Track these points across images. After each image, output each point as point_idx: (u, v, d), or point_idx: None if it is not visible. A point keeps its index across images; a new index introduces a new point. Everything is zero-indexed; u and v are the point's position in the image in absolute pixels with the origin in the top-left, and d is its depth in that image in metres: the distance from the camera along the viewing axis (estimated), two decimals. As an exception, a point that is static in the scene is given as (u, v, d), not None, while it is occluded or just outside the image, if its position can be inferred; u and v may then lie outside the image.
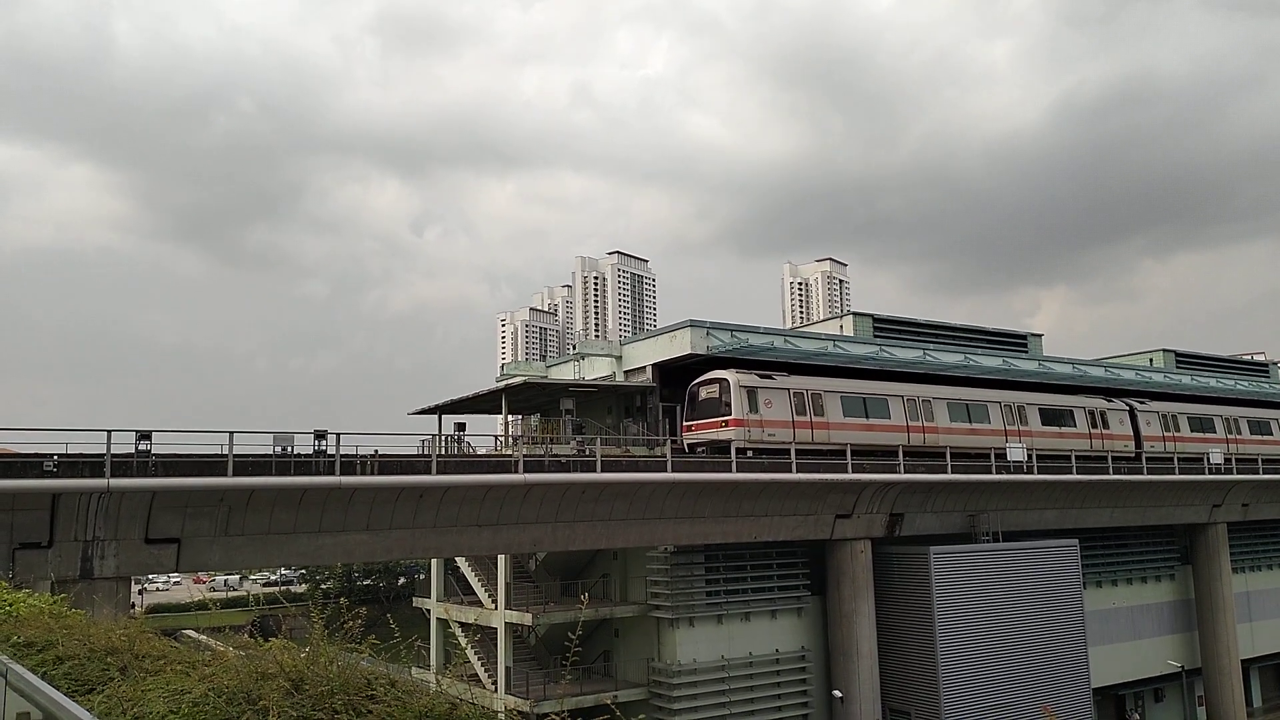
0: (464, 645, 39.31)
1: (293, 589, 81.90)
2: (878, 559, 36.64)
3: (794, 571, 36.73)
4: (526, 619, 34.75)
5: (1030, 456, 38.85)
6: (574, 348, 66.45)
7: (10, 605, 9.67)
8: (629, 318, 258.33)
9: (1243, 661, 48.52)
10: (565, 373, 43.05)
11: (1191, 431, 47.86)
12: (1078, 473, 40.03)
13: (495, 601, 37.37)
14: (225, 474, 23.65)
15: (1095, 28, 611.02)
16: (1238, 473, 46.89)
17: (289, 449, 25.12)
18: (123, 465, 22.68)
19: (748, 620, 35.38)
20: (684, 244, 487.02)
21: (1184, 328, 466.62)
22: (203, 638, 38.75)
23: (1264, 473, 47.84)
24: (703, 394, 34.32)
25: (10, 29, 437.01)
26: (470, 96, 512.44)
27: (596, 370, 40.69)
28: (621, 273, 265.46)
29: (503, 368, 57.76)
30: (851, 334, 43.54)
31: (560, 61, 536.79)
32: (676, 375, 36.96)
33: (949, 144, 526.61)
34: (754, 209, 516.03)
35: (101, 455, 22.38)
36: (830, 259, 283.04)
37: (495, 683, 36.61)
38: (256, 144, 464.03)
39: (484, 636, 38.68)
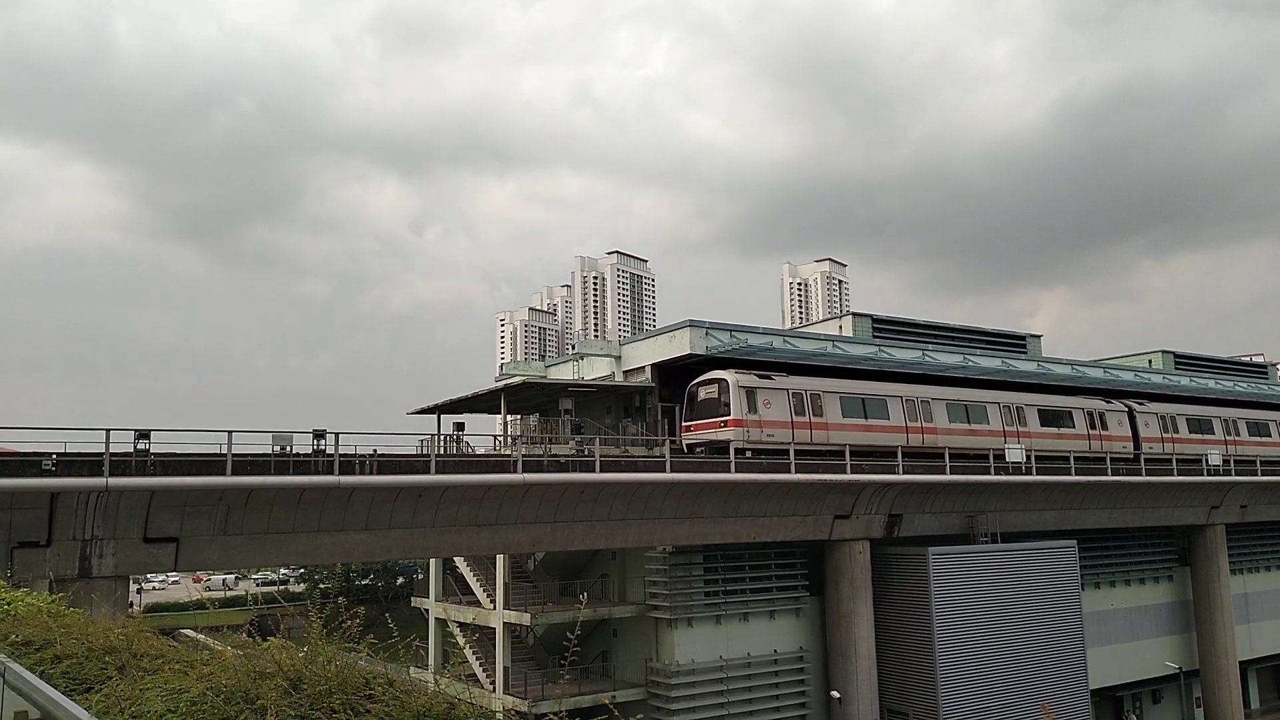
0: (462, 645, 39.28)
1: (290, 588, 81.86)
2: (876, 560, 36.65)
3: (792, 572, 36.75)
4: (525, 619, 34.75)
5: (1029, 457, 38.89)
6: (573, 348, 66.48)
7: (8, 604, 9.67)
8: (628, 318, 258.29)
9: (1240, 663, 48.55)
10: (564, 373, 43.04)
11: (1190, 433, 47.91)
12: (1076, 474, 40.07)
13: (494, 601, 37.37)
14: (224, 473, 23.65)
15: (1095, 28, 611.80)
16: (1236, 474, 46.94)
17: (288, 448, 25.12)
18: (121, 464, 22.67)
19: (746, 620, 35.39)
20: (684, 244, 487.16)
21: (1183, 329, 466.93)
22: (201, 637, 38.72)
23: (1262, 474, 47.90)
24: (702, 394, 34.33)
25: (10, 29, 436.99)
26: (470, 96, 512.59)
27: (595, 370, 40.69)
28: (621, 273, 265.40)
29: (502, 367, 57.77)
30: (850, 334, 43.57)
31: (560, 61, 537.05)
32: (675, 375, 36.97)
33: (949, 144, 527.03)
34: (754, 209, 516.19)
35: (100, 454, 22.38)
36: (829, 259, 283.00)
37: (493, 683, 36.61)
38: (256, 144, 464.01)
39: (482, 636, 38.67)
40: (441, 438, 37.19)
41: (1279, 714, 52.54)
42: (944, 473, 36.19)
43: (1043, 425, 41.74)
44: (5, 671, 5.12)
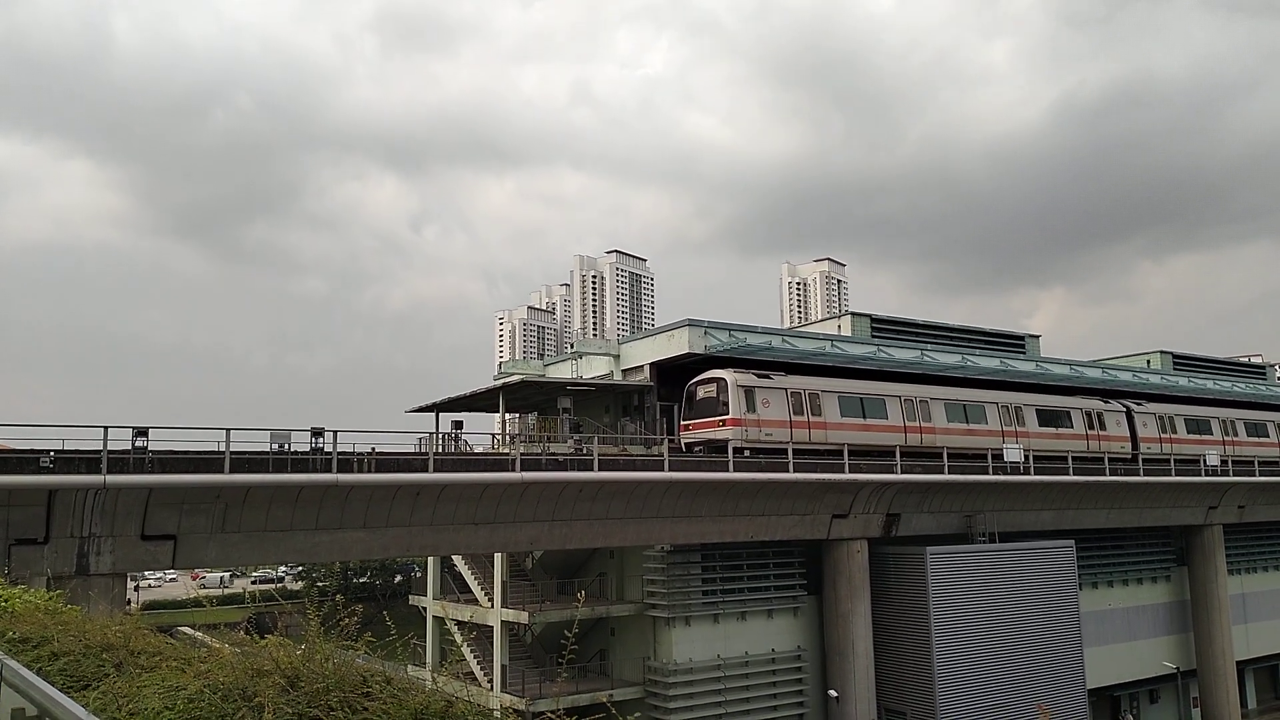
0: (460, 643, 39.27)
1: (288, 586, 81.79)
2: (874, 559, 36.67)
3: (790, 571, 36.76)
4: (523, 617, 34.75)
5: (1027, 457, 38.91)
6: (572, 346, 66.42)
7: (6, 601, 9.66)
8: (627, 317, 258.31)
9: (1238, 663, 48.62)
10: (563, 371, 43.01)
11: (1188, 433, 47.95)
12: (1074, 474, 40.10)
13: (492, 600, 37.37)
14: (222, 471, 23.64)
15: (1095, 28, 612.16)
16: (1234, 474, 47.00)
17: (286, 446, 25.11)
18: (119, 462, 22.65)
19: (744, 619, 35.40)
20: (683, 243, 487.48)
21: (1181, 329, 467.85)
22: (198, 634, 38.70)
23: (1260, 475, 47.95)
24: (700, 393, 34.33)
25: (10, 26, 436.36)
26: (469, 95, 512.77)
27: (594, 369, 40.67)
28: (620, 272, 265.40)
29: (500, 366, 57.64)
30: (849, 334, 43.56)
31: (560, 60, 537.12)
32: (674, 374, 36.95)
33: (949, 144, 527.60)
34: (754, 209, 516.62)
35: (98, 451, 22.36)
36: (829, 259, 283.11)
37: (491, 681, 36.60)
38: (255, 141, 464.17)
39: (480, 635, 38.66)
40: (440, 436, 37.16)
41: (1276, 714, 52.63)
42: (942, 472, 36.20)
43: (1041, 425, 41.77)
44: (3, 669, 5.11)
